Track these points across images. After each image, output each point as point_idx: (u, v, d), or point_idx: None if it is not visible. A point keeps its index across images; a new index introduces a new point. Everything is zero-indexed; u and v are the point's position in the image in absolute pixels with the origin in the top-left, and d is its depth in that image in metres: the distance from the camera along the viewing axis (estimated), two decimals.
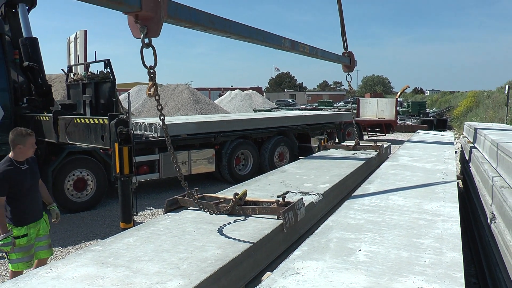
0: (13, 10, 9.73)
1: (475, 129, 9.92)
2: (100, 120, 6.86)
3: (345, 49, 8.48)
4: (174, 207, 4.39)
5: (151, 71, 3.41)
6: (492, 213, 5.58)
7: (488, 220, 5.75)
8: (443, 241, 3.40)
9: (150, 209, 9.70)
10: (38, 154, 8.39)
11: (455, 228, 3.73)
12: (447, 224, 3.84)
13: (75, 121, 7.47)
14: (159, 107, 3.67)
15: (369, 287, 2.59)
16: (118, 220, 6.95)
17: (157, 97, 3.53)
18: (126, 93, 9.78)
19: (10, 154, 4.65)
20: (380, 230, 3.65)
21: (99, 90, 9.99)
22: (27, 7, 9.76)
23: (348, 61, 8.40)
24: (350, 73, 8.58)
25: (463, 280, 2.70)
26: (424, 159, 7.49)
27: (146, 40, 3.35)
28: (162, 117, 3.74)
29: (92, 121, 7.12)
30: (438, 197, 4.82)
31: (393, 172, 6.28)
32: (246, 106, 40.80)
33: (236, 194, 4.18)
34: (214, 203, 4.24)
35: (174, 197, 4.43)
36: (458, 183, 6.91)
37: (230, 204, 4.13)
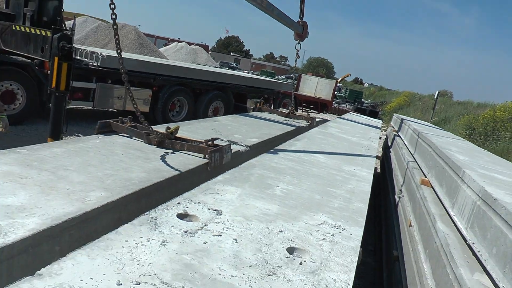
0: None
1: (402, 119, 10.56)
2: (43, 32, 6.63)
3: (301, 18, 8.58)
4: (105, 130, 4.38)
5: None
6: (400, 190, 6.06)
7: (396, 196, 6.25)
8: (353, 194, 3.72)
9: (79, 136, 9.53)
10: None
11: (366, 187, 4.08)
12: (360, 183, 4.18)
13: (14, 28, 7.16)
14: (117, 40, 3.64)
15: (280, 213, 2.83)
16: (44, 140, 6.81)
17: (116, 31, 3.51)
18: (72, 20, 9.41)
19: None
20: (299, 175, 3.92)
21: (43, 5, 9.51)
22: None
23: (301, 30, 8.54)
24: (300, 42, 8.73)
25: (363, 224, 3.01)
26: (351, 133, 7.91)
27: None
28: (119, 51, 3.73)
29: (33, 31, 6.86)
30: (356, 163, 5.18)
31: (320, 137, 6.61)
32: (189, 61, 40.14)
33: (168, 128, 4.26)
34: (146, 133, 4.30)
35: (107, 120, 4.41)
36: (376, 162, 7.37)
37: (161, 135, 4.20)
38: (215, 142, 4.24)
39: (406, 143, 8.12)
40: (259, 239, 2.34)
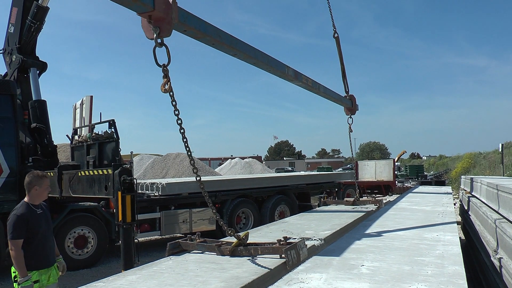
0: (25, 75, 10.23)
1: (471, 178, 10.10)
2: (104, 171, 7.02)
3: (347, 92, 8.71)
4: (176, 251, 4.39)
5: (165, 68, 3.63)
6: (495, 250, 5.63)
7: (492, 257, 5.79)
8: (444, 258, 3.48)
9: None
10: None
11: (456, 249, 3.82)
12: (448, 247, 3.93)
13: (79, 174, 7.64)
14: (175, 105, 3.81)
15: None
16: None
17: (171, 93, 3.72)
18: (130, 159, 9.99)
19: (26, 199, 4.64)
20: (381, 252, 3.74)
21: (103, 150, 10.20)
22: (37, 71, 10.25)
23: (350, 104, 8.62)
24: (352, 115, 8.77)
25: (466, 286, 2.77)
26: (423, 204, 7.61)
27: (159, 40, 3.60)
28: (182, 131, 3.88)
29: (96, 173, 7.28)
30: (437, 229, 4.92)
31: (393, 213, 6.39)
32: (246, 174, 40.96)
33: (238, 235, 4.23)
34: (217, 245, 4.27)
35: (176, 240, 4.43)
36: (457, 226, 6.97)
37: (233, 244, 4.15)
38: (288, 241, 4.14)
39: (483, 200, 7.69)
40: None
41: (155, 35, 3.58)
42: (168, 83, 3.66)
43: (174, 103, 3.79)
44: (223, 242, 4.34)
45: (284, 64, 5.73)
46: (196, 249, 4.31)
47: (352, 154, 9.66)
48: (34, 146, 9.78)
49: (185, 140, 3.94)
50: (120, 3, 3.40)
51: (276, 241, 4.11)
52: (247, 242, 4.25)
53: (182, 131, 3.77)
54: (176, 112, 3.81)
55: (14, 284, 4.50)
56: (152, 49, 3.59)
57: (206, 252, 4.21)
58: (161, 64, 3.63)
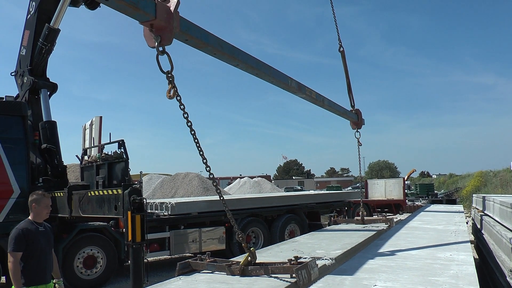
0: (36, 97, 10.34)
1: (483, 197, 9.98)
2: (114, 191, 7.03)
3: (352, 106, 8.72)
4: (186, 271, 4.38)
5: (169, 75, 3.69)
6: (510, 270, 5.52)
7: (507, 277, 5.67)
8: (458, 278, 3.42)
9: None
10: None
11: (470, 269, 3.75)
12: (462, 267, 3.86)
13: (89, 194, 7.65)
14: (183, 108, 3.84)
15: None
16: None
17: (178, 98, 3.78)
18: (139, 179, 10.01)
19: (30, 216, 4.83)
20: (394, 271, 3.68)
21: (112, 170, 10.23)
22: (48, 93, 10.37)
23: (355, 118, 8.61)
24: (358, 130, 8.76)
25: None
26: (435, 223, 7.52)
27: (161, 48, 3.65)
28: (193, 133, 3.92)
29: (105, 193, 7.29)
30: (450, 248, 4.84)
31: (404, 232, 6.31)
32: (255, 193, 40.83)
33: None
34: (227, 264, 4.25)
35: (186, 260, 4.44)
36: (471, 246, 6.87)
37: (241, 262, 4.12)
38: (298, 260, 4.09)
39: (497, 219, 7.58)
40: None
41: (156, 43, 3.64)
42: (173, 89, 3.72)
43: (182, 107, 3.88)
44: (233, 262, 4.32)
45: (287, 76, 5.73)
46: (206, 269, 4.29)
47: (360, 172, 9.60)
48: (44, 167, 9.83)
49: (196, 141, 3.95)
50: (123, 12, 3.48)
51: (287, 261, 4.08)
52: (258, 261, 4.22)
53: (192, 132, 3.85)
54: (186, 115, 3.90)
55: None
56: (156, 57, 3.65)
57: (216, 272, 4.18)
58: (165, 71, 3.70)
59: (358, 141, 8.86)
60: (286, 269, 3.94)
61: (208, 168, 4.00)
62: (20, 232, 4.61)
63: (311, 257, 4.94)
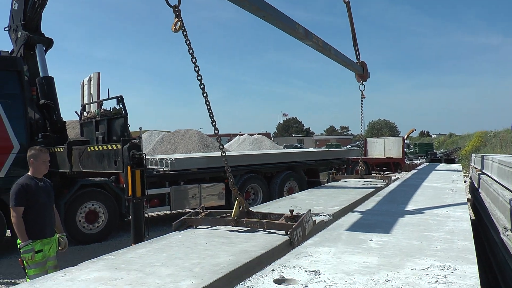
0: (31, 52, 10.19)
1: (482, 156, 10.01)
2: (114, 146, 7.04)
3: (358, 58, 8.50)
4: (181, 229, 4.37)
5: (176, 9, 3.65)
6: (505, 227, 5.60)
7: (501, 234, 5.76)
8: (454, 234, 3.46)
9: None
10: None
11: (466, 225, 3.79)
12: (458, 223, 3.90)
13: (89, 149, 7.66)
14: (189, 44, 3.84)
15: (381, 264, 2.65)
16: None
17: (184, 33, 3.77)
18: (139, 135, 10.00)
19: (29, 172, 4.86)
20: (390, 227, 3.72)
21: (112, 126, 10.22)
22: (44, 48, 10.21)
23: (361, 70, 8.44)
24: (363, 82, 8.63)
25: (475, 260, 2.75)
26: (432, 181, 7.57)
27: None
28: (197, 69, 3.93)
29: (105, 148, 7.30)
30: (447, 204, 4.88)
31: (402, 189, 6.36)
32: (255, 150, 40.98)
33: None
34: (221, 216, 4.28)
35: (181, 218, 4.39)
36: (468, 204, 6.93)
37: (233, 212, 4.13)
38: (294, 214, 4.12)
39: (495, 178, 7.62)
40: None
41: None
42: (179, 22, 3.68)
43: (188, 42, 3.85)
44: (228, 214, 4.35)
45: (295, 21, 5.50)
46: (202, 223, 4.31)
47: (361, 127, 9.52)
48: (43, 122, 9.82)
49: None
50: None
51: (282, 213, 4.13)
52: (254, 211, 4.26)
53: (197, 69, 3.89)
54: (191, 51, 3.89)
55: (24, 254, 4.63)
56: None
57: (215, 228, 4.22)
58: (173, 5, 3.66)
59: (362, 94, 8.70)
60: (281, 226, 3.96)
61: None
62: (20, 187, 4.70)
63: (307, 210, 4.99)
